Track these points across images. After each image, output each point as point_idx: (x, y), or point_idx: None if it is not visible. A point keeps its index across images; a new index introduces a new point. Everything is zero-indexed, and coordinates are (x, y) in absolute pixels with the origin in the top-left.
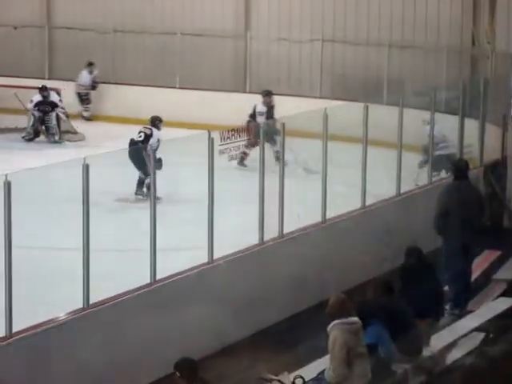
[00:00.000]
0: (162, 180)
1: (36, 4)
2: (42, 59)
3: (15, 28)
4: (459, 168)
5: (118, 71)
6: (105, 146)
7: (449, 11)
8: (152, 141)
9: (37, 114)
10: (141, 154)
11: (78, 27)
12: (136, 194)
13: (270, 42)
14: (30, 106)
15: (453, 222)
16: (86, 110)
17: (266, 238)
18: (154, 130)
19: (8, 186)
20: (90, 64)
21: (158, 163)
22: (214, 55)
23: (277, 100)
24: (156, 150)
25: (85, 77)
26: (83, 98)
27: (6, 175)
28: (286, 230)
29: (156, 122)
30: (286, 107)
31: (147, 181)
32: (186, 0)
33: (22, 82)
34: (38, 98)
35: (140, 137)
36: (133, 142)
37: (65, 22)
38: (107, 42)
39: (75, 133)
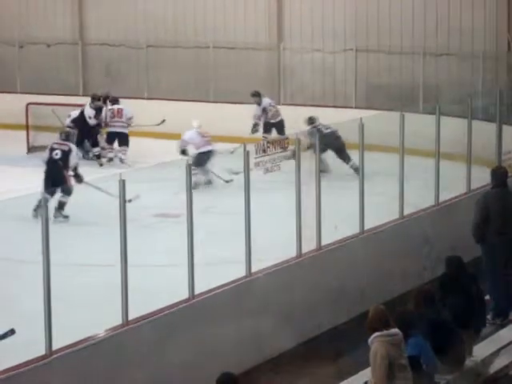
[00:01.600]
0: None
1: (68, 21)
2: (76, 76)
3: (48, 46)
4: (498, 175)
5: (151, 86)
6: (139, 161)
7: (483, 17)
8: (72, 156)
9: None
10: (61, 171)
11: (110, 43)
12: (55, 216)
13: (303, 53)
14: (67, 121)
15: (492, 231)
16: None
17: (304, 250)
18: (71, 145)
19: (45, 201)
20: (255, 95)
21: (79, 178)
22: (247, 68)
23: (311, 111)
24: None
25: (256, 109)
26: (257, 128)
27: (43, 193)
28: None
29: (71, 136)
30: (321, 118)
31: (65, 200)
32: (218, 13)
33: (57, 99)
34: (75, 113)
35: (56, 155)
36: (51, 161)
37: (97, 38)
38: (140, 57)
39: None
